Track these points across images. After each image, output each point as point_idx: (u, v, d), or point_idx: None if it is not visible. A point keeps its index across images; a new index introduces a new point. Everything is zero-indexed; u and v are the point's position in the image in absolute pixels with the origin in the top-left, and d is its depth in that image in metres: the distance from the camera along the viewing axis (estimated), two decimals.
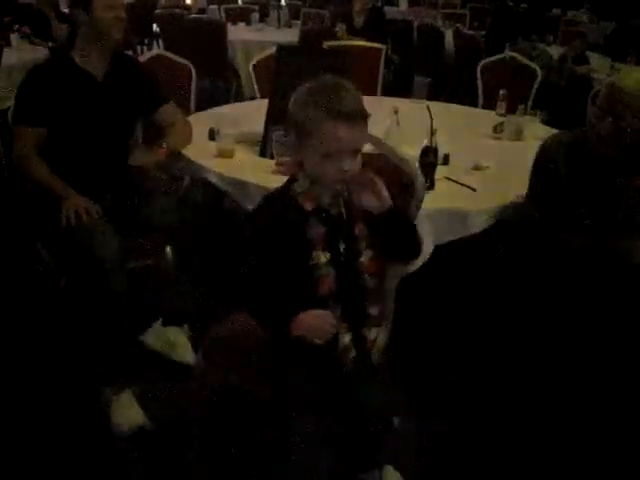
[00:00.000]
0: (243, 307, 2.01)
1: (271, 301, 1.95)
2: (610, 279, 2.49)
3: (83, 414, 2.65)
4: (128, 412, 2.63)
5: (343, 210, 1.96)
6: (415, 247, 2.10)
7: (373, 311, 2.02)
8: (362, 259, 1.97)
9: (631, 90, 2.42)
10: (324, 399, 1.91)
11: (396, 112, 3.22)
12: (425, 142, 2.83)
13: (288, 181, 2.00)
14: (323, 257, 1.92)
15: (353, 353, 1.98)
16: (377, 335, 2.03)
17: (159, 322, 3.07)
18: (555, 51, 7.34)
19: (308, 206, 1.93)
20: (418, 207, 2.50)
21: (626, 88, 2.43)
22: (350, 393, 1.96)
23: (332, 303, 1.94)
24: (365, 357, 2.01)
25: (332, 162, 1.81)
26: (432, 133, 2.82)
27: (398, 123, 3.21)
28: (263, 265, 1.96)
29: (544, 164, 2.65)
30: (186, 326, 3.05)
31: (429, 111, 2.78)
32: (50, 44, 6.11)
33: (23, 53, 5.54)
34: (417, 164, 2.77)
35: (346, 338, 1.97)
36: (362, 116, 1.84)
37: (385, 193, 1.89)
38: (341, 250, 1.95)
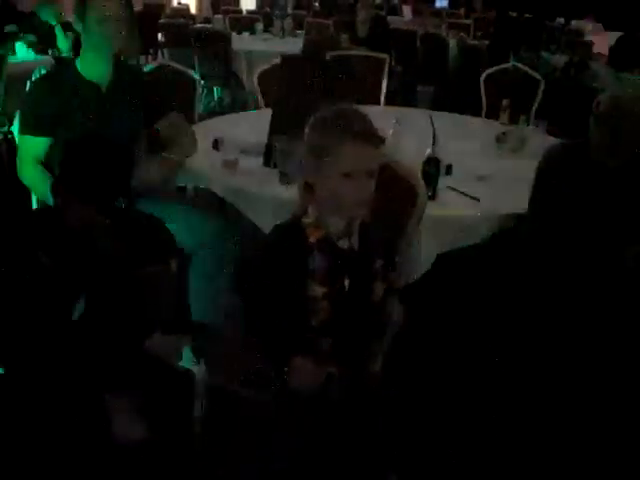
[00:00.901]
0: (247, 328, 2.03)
1: (270, 326, 1.96)
2: (612, 289, 2.48)
3: (82, 421, 2.65)
4: (129, 419, 2.65)
5: (355, 243, 1.98)
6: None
7: (376, 347, 2.02)
8: (374, 295, 2.00)
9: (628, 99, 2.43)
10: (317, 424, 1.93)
11: (399, 122, 3.24)
12: (428, 152, 2.85)
13: (299, 211, 2.01)
14: (319, 290, 1.94)
15: (344, 388, 1.97)
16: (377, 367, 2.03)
17: (161, 330, 3.08)
18: (559, 61, 7.36)
19: (313, 238, 1.94)
20: (420, 217, 2.52)
21: (625, 96, 2.44)
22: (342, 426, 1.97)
23: (323, 337, 1.95)
24: (360, 391, 2.00)
25: (350, 182, 1.84)
26: (434, 143, 2.83)
27: (401, 133, 3.22)
28: (265, 291, 1.97)
29: (545, 174, 2.65)
30: (189, 335, 3.06)
31: (431, 121, 2.79)
32: (51, 52, 6.14)
33: (28, 62, 5.56)
34: (420, 174, 2.79)
35: (330, 369, 1.95)
36: (379, 139, 1.89)
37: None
38: (345, 285, 1.96)
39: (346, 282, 1.97)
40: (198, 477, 2.37)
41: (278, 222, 2.08)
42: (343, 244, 1.96)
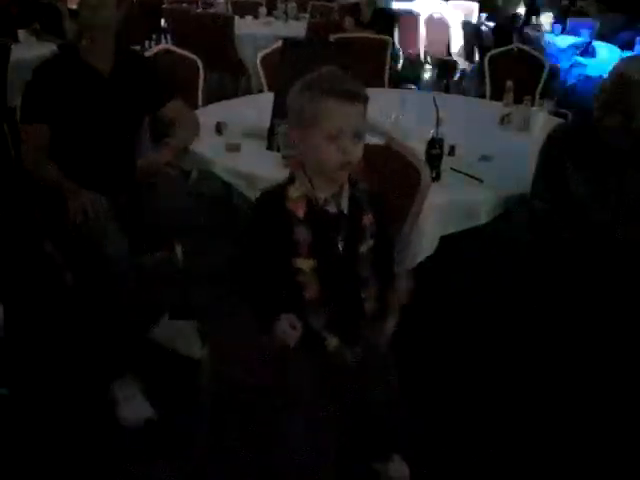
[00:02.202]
0: (242, 295, 2.02)
1: (263, 293, 1.96)
2: (615, 271, 2.49)
3: (90, 408, 2.67)
4: (135, 406, 2.66)
5: (345, 206, 1.95)
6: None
7: (369, 306, 2.01)
8: (362, 249, 1.97)
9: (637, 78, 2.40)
10: (327, 393, 1.93)
11: (402, 103, 3.23)
12: (431, 133, 2.84)
13: (286, 180, 1.99)
14: (306, 264, 1.92)
15: (349, 355, 1.98)
16: (379, 327, 2.02)
17: (167, 316, 3.09)
18: (564, 42, 7.32)
19: (299, 212, 1.92)
20: (423, 198, 2.51)
21: (635, 75, 2.40)
22: (354, 388, 1.98)
23: (317, 309, 1.95)
24: (367, 352, 2.01)
25: (335, 145, 1.81)
26: (438, 124, 2.82)
27: (404, 114, 3.22)
28: (257, 259, 1.96)
29: (549, 155, 2.64)
30: (194, 320, 3.07)
31: (435, 102, 2.78)
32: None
33: (31, 49, 5.55)
34: (423, 155, 2.79)
35: (333, 342, 1.96)
36: (362, 97, 1.85)
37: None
38: (340, 249, 1.95)
39: (340, 245, 1.94)
40: (202, 459, 2.39)
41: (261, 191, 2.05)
42: (332, 208, 1.93)
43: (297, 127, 1.87)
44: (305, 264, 1.91)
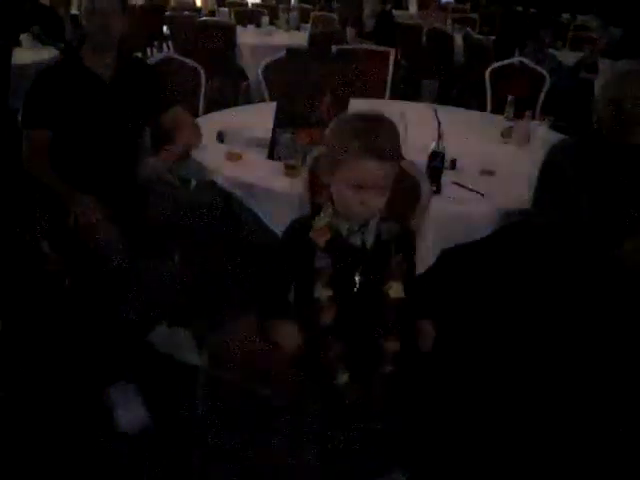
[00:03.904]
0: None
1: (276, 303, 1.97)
2: (614, 284, 2.48)
3: (87, 413, 2.66)
4: (133, 412, 2.65)
5: (369, 239, 1.96)
6: None
7: (391, 346, 2.00)
8: (387, 289, 1.98)
9: (628, 74, 2.45)
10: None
11: (403, 116, 3.22)
12: (432, 146, 2.84)
13: (313, 210, 2.01)
14: (324, 293, 1.93)
15: (356, 393, 1.96)
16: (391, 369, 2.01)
17: (164, 322, 3.08)
18: (565, 56, 7.34)
19: (321, 241, 1.93)
20: (424, 212, 2.51)
21: (621, 73, 2.46)
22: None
23: (331, 339, 1.95)
24: (373, 393, 2.00)
25: (360, 195, 1.84)
26: (439, 137, 2.82)
27: (405, 127, 3.21)
28: (280, 280, 1.98)
29: (551, 170, 2.64)
30: (191, 327, 3.06)
31: (436, 115, 2.78)
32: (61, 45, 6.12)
33: (32, 53, 5.55)
34: (424, 168, 2.79)
35: (344, 377, 1.95)
36: (396, 155, 1.88)
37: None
38: (356, 282, 1.96)
39: (357, 279, 1.95)
40: (199, 466, 2.38)
41: (294, 218, 2.09)
42: (355, 240, 1.95)
43: (328, 165, 1.90)
44: (323, 293, 1.92)
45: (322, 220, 1.94)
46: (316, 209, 2.02)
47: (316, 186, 2.53)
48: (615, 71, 2.49)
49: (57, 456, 2.48)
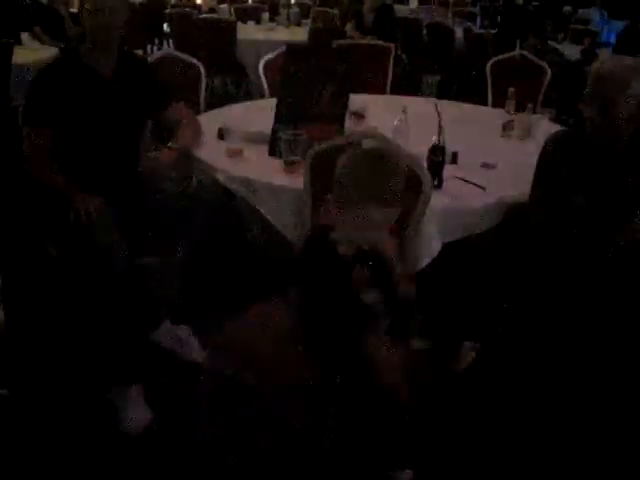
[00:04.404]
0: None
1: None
2: (613, 278, 2.48)
3: (91, 411, 2.67)
4: (136, 409, 2.66)
5: None
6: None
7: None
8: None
9: (616, 72, 2.42)
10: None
11: (404, 110, 3.22)
12: (433, 140, 2.84)
13: (322, 229, 2.02)
14: (372, 296, 1.95)
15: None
16: None
17: (167, 320, 3.09)
18: (567, 50, 7.32)
19: (349, 252, 1.95)
20: (426, 206, 2.51)
21: (608, 69, 2.45)
22: None
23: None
24: None
25: (368, 228, 1.90)
26: (440, 131, 2.82)
27: (406, 121, 3.21)
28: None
29: (545, 163, 2.65)
30: (194, 324, 3.07)
31: (437, 109, 2.78)
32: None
33: (33, 52, 5.56)
34: (425, 162, 2.79)
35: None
36: (399, 198, 1.94)
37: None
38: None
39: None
40: (202, 464, 2.38)
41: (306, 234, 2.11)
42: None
43: (338, 193, 1.96)
44: (371, 297, 1.94)
45: (344, 236, 1.97)
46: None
47: (318, 183, 2.53)
48: (600, 69, 2.49)
49: (60, 455, 2.48)
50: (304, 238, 2.10)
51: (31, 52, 5.55)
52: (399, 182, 1.95)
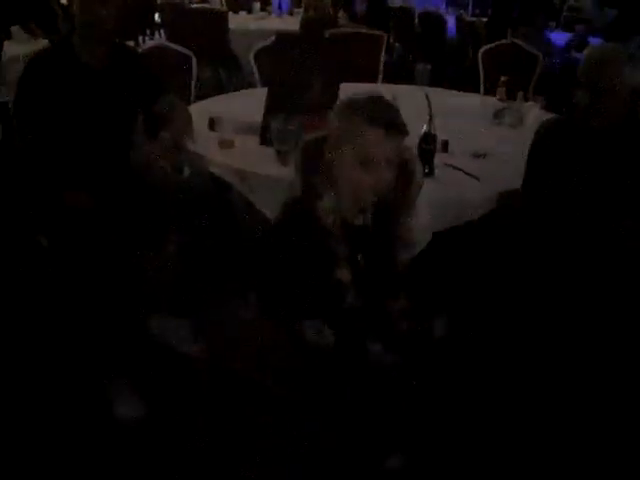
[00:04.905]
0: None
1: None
2: (610, 263, 2.49)
3: (85, 403, 2.67)
4: (130, 403, 2.66)
5: (368, 219, 2.01)
6: None
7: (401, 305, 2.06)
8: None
9: (607, 59, 2.44)
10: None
11: (395, 98, 3.22)
12: (424, 128, 2.84)
13: (310, 194, 2.01)
14: (347, 273, 1.95)
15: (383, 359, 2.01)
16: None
17: (163, 313, 3.09)
18: (559, 38, 7.32)
19: (332, 224, 1.95)
20: (416, 194, 2.51)
21: (601, 58, 2.46)
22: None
23: (356, 315, 1.97)
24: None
25: (368, 170, 1.87)
26: (431, 119, 2.82)
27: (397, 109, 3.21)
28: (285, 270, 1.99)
29: (538, 150, 2.65)
30: (189, 317, 3.07)
31: (427, 97, 2.78)
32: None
33: (24, 46, 5.52)
34: (416, 150, 2.79)
35: (376, 347, 1.99)
36: (402, 129, 1.92)
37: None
38: (359, 261, 1.98)
39: (359, 257, 1.98)
40: (198, 455, 2.39)
41: (285, 202, 2.09)
42: (358, 221, 1.99)
43: (334, 144, 1.92)
44: (344, 274, 1.93)
45: (328, 203, 1.95)
46: (310, 192, 2.02)
47: (310, 170, 2.53)
48: (592, 55, 2.50)
49: (53, 448, 2.48)
50: (283, 208, 2.07)
51: (22, 46, 5.51)
52: (396, 111, 1.93)
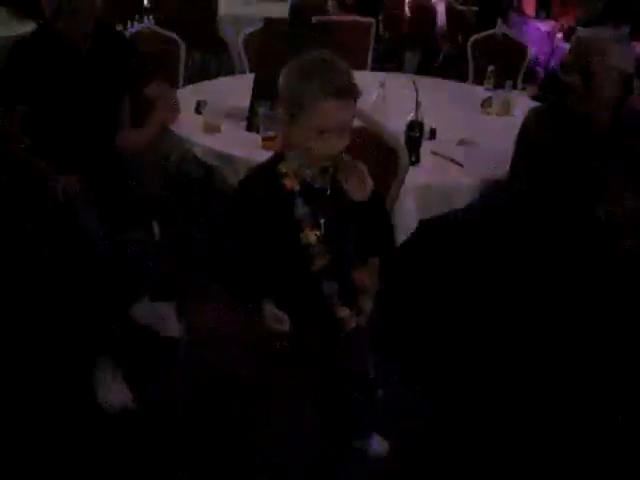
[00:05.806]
0: (221, 278, 2.03)
1: (250, 276, 1.97)
2: (597, 253, 2.50)
3: (70, 390, 2.66)
4: (115, 390, 2.66)
5: (328, 186, 1.98)
6: (388, 241, 2.15)
7: (361, 281, 2.05)
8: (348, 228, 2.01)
9: (596, 42, 2.44)
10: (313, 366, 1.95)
11: (382, 86, 3.22)
12: (411, 116, 2.84)
13: (274, 158, 2.00)
14: (313, 236, 1.94)
15: (353, 324, 2.02)
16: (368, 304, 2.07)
17: (146, 298, 3.08)
18: (547, 27, 7.31)
19: (295, 186, 1.94)
20: (402, 181, 2.52)
21: (590, 41, 2.47)
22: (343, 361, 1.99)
23: (327, 280, 1.97)
24: (360, 328, 2.05)
25: (323, 138, 1.84)
26: (417, 107, 2.82)
27: (384, 97, 3.21)
28: (248, 241, 1.97)
29: (525, 137, 2.65)
30: (173, 301, 3.07)
31: (415, 85, 2.78)
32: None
33: (9, 29, 5.46)
34: (403, 138, 2.79)
35: (343, 312, 2.00)
36: (354, 93, 1.87)
37: (368, 182, 1.92)
38: (322, 225, 1.97)
39: (321, 221, 1.97)
40: (183, 442, 2.40)
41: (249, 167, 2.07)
42: (318, 184, 1.97)
43: (288, 111, 1.88)
44: (311, 236, 1.93)
45: (289, 167, 1.94)
46: (274, 158, 2.01)
47: None
48: (581, 39, 2.51)
49: (39, 435, 2.48)
50: (247, 172, 2.06)
51: (7, 29, 5.45)
52: (349, 74, 1.86)
